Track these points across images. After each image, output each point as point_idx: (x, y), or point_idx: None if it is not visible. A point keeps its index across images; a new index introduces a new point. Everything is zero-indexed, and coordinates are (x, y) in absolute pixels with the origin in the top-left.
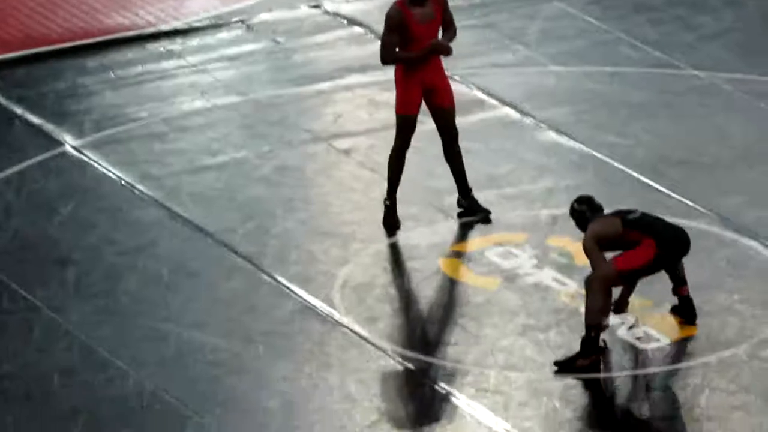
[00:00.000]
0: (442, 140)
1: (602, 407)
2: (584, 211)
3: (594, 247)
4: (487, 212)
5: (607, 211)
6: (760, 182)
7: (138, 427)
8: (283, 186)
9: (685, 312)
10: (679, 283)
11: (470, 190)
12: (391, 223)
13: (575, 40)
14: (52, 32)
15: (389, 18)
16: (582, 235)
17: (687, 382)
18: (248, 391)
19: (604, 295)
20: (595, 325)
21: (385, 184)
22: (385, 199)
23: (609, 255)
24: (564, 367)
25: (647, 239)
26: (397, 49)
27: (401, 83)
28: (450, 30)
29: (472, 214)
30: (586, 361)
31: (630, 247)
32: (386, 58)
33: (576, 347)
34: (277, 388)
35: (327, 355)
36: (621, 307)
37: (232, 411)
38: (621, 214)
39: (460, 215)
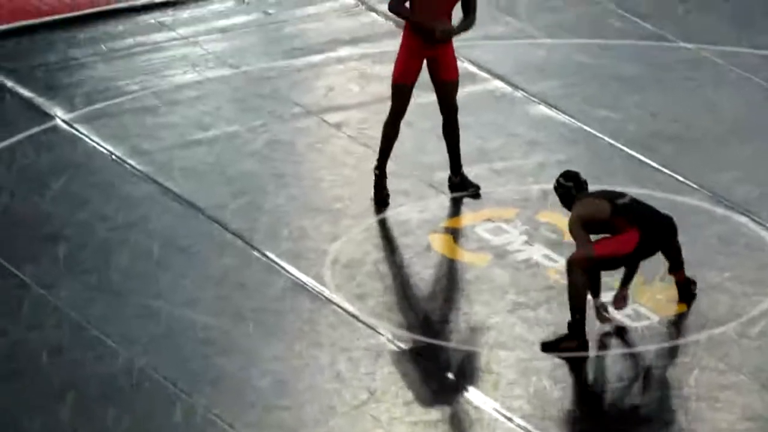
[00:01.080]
0: (442, 114)
1: (592, 386)
2: (570, 187)
3: (580, 229)
4: (477, 188)
5: (595, 187)
6: (751, 158)
7: (127, 405)
8: (275, 161)
9: (683, 295)
10: (675, 267)
11: (461, 166)
12: (379, 195)
13: (566, 12)
14: (42, 4)
15: None
16: (566, 210)
17: (676, 361)
18: (238, 369)
19: (581, 277)
20: (578, 308)
21: (377, 158)
22: (375, 168)
23: (593, 237)
24: (550, 347)
25: (632, 229)
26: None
27: (404, 50)
28: (468, 17)
29: (463, 189)
30: (572, 344)
31: (614, 233)
32: (392, 3)
33: (566, 325)
34: (268, 367)
35: (317, 333)
36: (618, 302)
37: (222, 390)
38: (610, 199)
39: (451, 190)
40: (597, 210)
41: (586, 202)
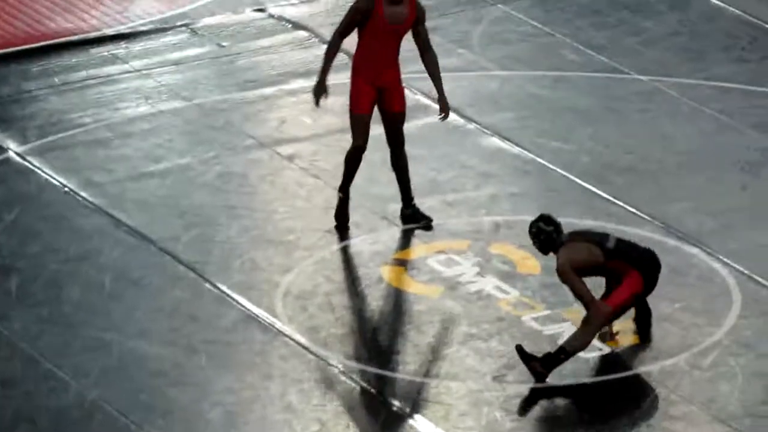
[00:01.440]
0: (390, 146)
1: (543, 417)
2: (552, 232)
3: (575, 277)
4: (430, 220)
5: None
6: (703, 188)
7: None
8: (227, 193)
9: (641, 321)
10: None
11: (412, 198)
12: (341, 217)
13: (519, 44)
14: None
15: (355, 7)
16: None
17: (629, 392)
18: (190, 402)
19: (595, 334)
20: (571, 353)
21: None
22: (339, 191)
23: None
24: (523, 355)
25: (632, 270)
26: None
27: (354, 81)
28: (428, 53)
29: (415, 221)
30: (540, 369)
31: (610, 275)
32: (338, 35)
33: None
34: (219, 399)
35: (269, 365)
36: (604, 337)
37: (173, 422)
38: (598, 242)
39: (403, 222)
40: (590, 255)
41: (576, 247)
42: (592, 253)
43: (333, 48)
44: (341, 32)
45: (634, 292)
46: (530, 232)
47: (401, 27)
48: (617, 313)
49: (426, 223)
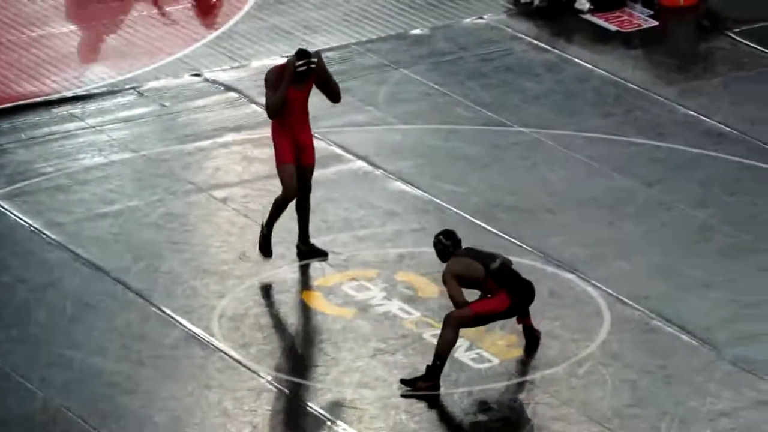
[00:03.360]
0: (298, 191)
1: (441, 419)
2: (449, 245)
3: (455, 284)
4: (326, 254)
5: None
6: (576, 224)
7: None
8: (170, 230)
9: (528, 338)
10: (523, 314)
11: (309, 237)
12: (264, 248)
13: (418, 102)
14: None
15: (268, 79)
16: (437, 263)
17: (514, 397)
18: (140, 407)
19: (456, 332)
20: (443, 356)
21: (257, 228)
22: (263, 227)
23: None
24: (408, 384)
25: (502, 292)
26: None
27: (276, 139)
28: (335, 97)
29: (312, 257)
30: (425, 384)
31: (485, 291)
32: (271, 110)
33: (420, 368)
34: (165, 406)
35: (207, 377)
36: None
37: (125, 425)
38: (484, 261)
39: (300, 257)
40: (473, 270)
41: (463, 261)
42: (474, 268)
43: (273, 107)
44: (272, 106)
45: (497, 309)
46: (433, 242)
47: (308, 85)
48: (477, 321)
49: (323, 258)
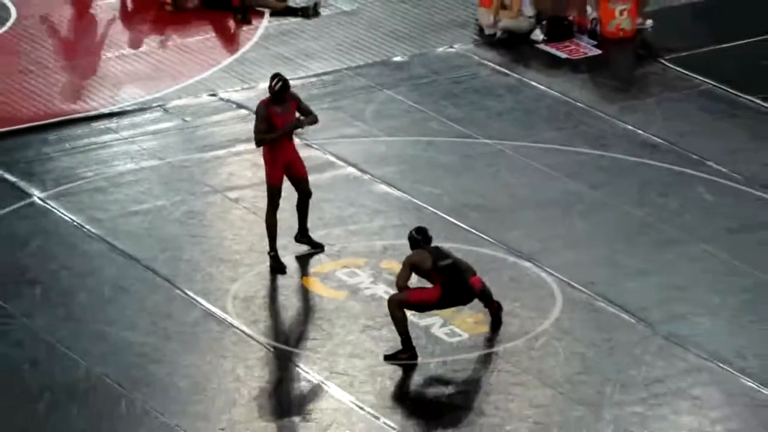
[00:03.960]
0: (299, 197)
1: (420, 384)
2: (419, 240)
3: (406, 271)
4: (322, 246)
5: (436, 243)
6: (533, 221)
7: (86, 402)
8: (191, 226)
9: (493, 322)
10: (487, 305)
11: (308, 230)
12: (278, 268)
13: (400, 118)
14: (21, 114)
15: (258, 112)
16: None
17: (481, 365)
18: (166, 375)
19: (400, 310)
20: (402, 330)
21: (263, 223)
22: (269, 252)
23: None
24: (390, 358)
25: (438, 286)
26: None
27: (267, 160)
28: (311, 114)
29: (311, 247)
30: (405, 355)
31: (430, 281)
32: (258, 142)
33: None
34: (187, 373)
35: (223, 349)
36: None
37: (154, 390)
38: (435, 257)
39: (299, 242)
40: (423, 261)
41: (420, 252)
42: (424, 260)
43: (261, 140)
44: (258, 131)
45: (429, 299)
46: (408, 235)
47: (290, 113)
48: (413, 305)
49: (320, 249)
